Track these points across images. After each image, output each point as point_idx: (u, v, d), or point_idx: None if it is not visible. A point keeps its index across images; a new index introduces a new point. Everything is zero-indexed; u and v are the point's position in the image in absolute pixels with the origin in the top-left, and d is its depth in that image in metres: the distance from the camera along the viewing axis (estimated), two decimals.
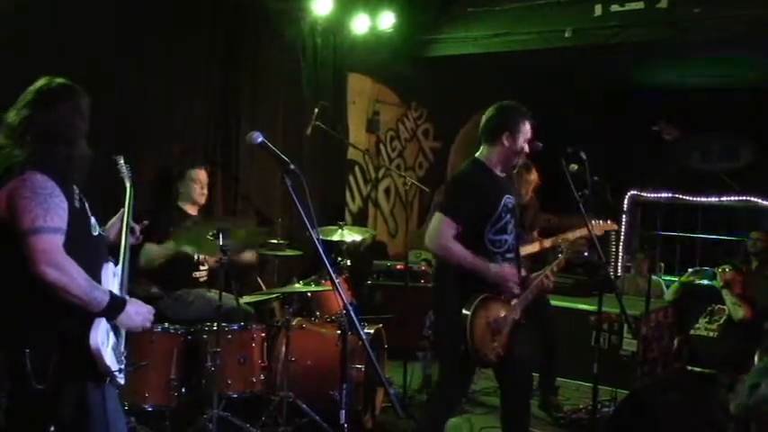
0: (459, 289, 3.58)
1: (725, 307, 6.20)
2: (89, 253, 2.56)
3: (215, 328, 4.21)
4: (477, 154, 3.78)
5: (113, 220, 3.05)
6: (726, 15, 5.82)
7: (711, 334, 6.19)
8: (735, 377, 4.99)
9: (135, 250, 3.01)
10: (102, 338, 2.47)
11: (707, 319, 6.31)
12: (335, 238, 5.28)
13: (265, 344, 4.49)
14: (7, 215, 2.40)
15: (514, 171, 4.60)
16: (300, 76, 6.41)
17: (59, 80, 2.63)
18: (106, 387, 2.53)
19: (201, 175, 4.94)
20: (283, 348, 4.51)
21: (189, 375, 4.26)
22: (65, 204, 2.46)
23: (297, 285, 4.91)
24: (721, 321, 6.20)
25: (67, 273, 2.38)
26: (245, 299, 4.80)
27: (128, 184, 3.27)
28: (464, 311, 3.51)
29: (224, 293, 4.20)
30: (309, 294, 5.02)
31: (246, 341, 4.39)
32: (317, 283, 4.94)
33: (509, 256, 3.70)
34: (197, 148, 5.47)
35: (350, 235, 5.40)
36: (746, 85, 8.11)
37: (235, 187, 5.84)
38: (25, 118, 2.51)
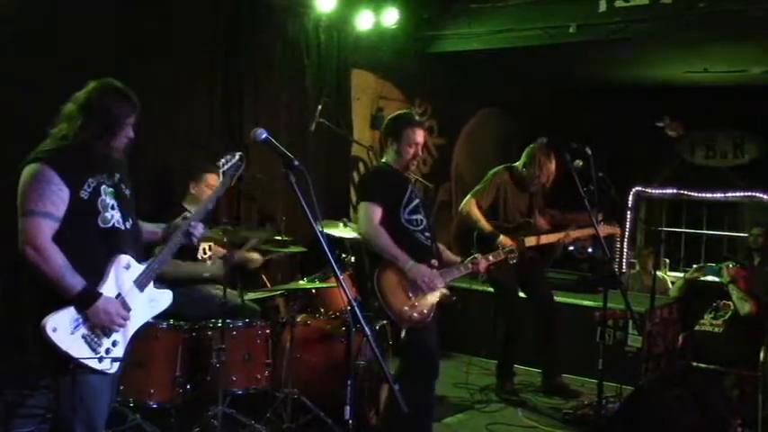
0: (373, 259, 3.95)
1: (730, 303, 6.18)
2: (92, 242, 2.66)
3: (220, 324, 4.22)
4: (383, 159, 4.16)
5: (192, 215, 3.15)
6: (730, 11, 5.80)
7: (716, 330, 6.17)
8: (739, 373, 4.98)
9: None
10: (62, 324, 2.55)
11: (712, 315, 6.29)
12: (336, 231, 5.25)
13: (270, 340, 4.50)
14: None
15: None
16: (304, 72, 6.39)
17: (107, 84, 2.84)
18: (78, 372, 2.57)
19: (217, 180, 4.86)
20: (288, 345, 4.52)
21: (194, 372, 4.27)
22: (64, 194, 2.60)
23: (301, 282, 4.91)
24: (726, 317, 6.17)
25: (44, 255, 2.54)
26: (250, 296, 4.81)
27: (220, 179, 3.29)
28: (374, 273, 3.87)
29: (229, 290, 4.19)
30: (314, 291, 5.01)
31: (251, 338, 4.40)
32: (322, 280, 4.94)
33: (428, 234, 4.01)
34: (199, 148, 5.45)
35: (350, 232, 5.38)
36: (751, 80, 8.09)
37: (238, 184, 5.82)
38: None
